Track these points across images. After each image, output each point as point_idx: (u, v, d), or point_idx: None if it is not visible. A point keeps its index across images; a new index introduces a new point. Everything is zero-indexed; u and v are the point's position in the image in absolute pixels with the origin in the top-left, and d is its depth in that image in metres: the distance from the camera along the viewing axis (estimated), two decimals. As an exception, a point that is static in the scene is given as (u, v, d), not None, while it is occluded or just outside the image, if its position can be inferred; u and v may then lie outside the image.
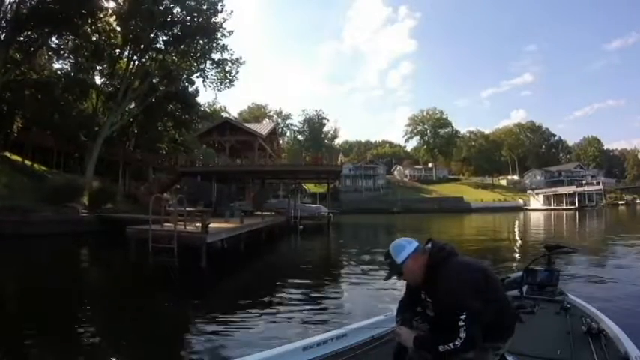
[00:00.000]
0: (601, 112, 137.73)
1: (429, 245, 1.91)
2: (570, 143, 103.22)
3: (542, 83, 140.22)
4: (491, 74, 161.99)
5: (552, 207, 60.51)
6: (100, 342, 4.94)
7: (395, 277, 1.93)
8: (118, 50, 29.80)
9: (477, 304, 1.68)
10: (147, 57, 29.61)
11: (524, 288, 3.96)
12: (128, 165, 33.05)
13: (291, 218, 23.44)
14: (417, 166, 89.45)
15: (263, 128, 32.98)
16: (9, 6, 22.91)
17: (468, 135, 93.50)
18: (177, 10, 27.41)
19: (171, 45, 28.84)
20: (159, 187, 26.87)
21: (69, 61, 30.24)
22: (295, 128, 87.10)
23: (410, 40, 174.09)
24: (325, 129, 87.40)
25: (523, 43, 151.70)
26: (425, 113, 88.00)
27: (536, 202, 64.44)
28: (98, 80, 33.27)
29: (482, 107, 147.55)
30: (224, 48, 30.07)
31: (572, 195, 62.16)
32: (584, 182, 67.33)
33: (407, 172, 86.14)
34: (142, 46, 28.15)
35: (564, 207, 58.61)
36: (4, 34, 23.21)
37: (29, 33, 24.82)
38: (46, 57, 30.09)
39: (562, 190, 64.89)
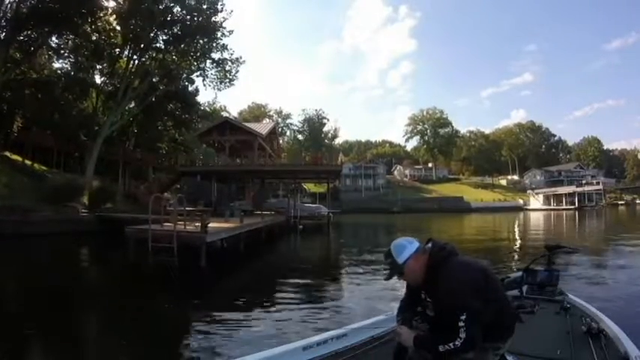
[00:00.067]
0: (601, 112, 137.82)
1: (430, 245, 1.90)
2: (570, 143, 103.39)
3: (542, 83, 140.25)
4: (491, 74, 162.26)
5: (552, 207, 60.55)
6: (99, 342, 4.95)
7: (396, 277, 1.92)
8: (117, 49, 29.76)
9: (477, 304, 1.68)
10: (147, 56, 29.60)
11: (524, 288, 3.95)
12: (128, 164, 33.03)
13: (290, 218, 23.44)
14: (416, 166, 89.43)
15: (263, 128, 32.95)
16: (9, 5, 22.90)
17: (467, 135, 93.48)
18: (177, 9, 27.41)
19: (171, 44, 28.84)
20: (159, 187, 26.85)
21: (69, 61, 30.25)
22: (295, 128, 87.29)
23: (410, 40, 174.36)
24: (325, 128, 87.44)
25: (523, 42, 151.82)
26: (425, 113, 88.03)
27: (536, 201, 64.48)
28: (98, 79, 33.33)
29: (482, 107, 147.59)
30: (224, 47, 30.09)
31: (572, 195, 62.19)
32: (584, 182, 67.30)
33: (407, 171, 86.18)
34: (142, 46, 28.12)
35: (564, 207, 58.64)
36: (4, 34, 23.19)
37: (29, 32, 24.80)
38: (46, 56, 30.06)
39: (562, 189, 64.92)
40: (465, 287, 1.71)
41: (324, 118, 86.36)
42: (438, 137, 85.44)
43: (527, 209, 60.13)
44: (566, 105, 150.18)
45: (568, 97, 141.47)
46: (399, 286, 4.62)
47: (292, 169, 31.26)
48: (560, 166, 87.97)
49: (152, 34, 27.67)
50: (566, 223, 32.47)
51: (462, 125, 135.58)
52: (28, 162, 26.24)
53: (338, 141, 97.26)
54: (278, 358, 2.30)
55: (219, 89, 33.35)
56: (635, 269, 9.68)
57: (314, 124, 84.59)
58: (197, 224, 10.45)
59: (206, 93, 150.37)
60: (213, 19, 28.31)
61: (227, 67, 31.27)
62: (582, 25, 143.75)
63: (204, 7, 27.74)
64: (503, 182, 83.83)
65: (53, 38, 27.18)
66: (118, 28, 27.96)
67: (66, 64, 30.75)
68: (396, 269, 1.88)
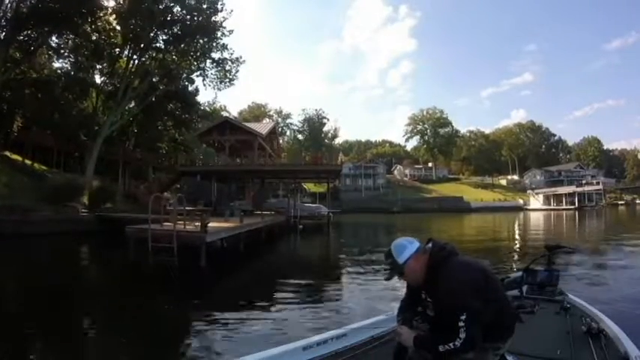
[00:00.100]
0: (601, 112, 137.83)
1: (430, 245, 1.91)
2: (570, 143, 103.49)
3: (542, 83, 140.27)
4: (491, 74, 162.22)
5: (552, 207, 60.57)
6: (99, 341, 4.94)
7: (396, 277, 1.92)
8: (117, 49, 29.73)
9: (477, 304, 1.68)
10: (147, 56, 29.58)
11: (524, 288, 3.95)
12: (128, 164, 33.04)
13: (290, 218, 23.43)
14: (416, 166, 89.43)
15: (263, 127, 32.94)
16: (9, 5, 22.88)
17: (467, 134, 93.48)
18: (177, 9, 27.39)
19: (171, 44, 28.81)
20: (159, 187, 26.85)
21: (69, 60, 30.20)
22: (295, 127, 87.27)
23: (410, 40, 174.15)
24: (325, 128, 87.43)
25: (523, 42, 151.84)
26: (425, 112, 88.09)
27: (536, 201, 64.49)
28: (98, 79, 33.27)
29: (482, 107, 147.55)
30: (224, 47, 30.06)
31: (572, 195, 62.21)
32: (584, 182, 67.35)
33: (407, 171, 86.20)
34: (142, 45, 28.10)
35: (564, 207, 58.67)
36: (3, 33, 23.18)
37: (29, 32, 24.78)
38: (46, 56, 30.05)
39: (562, 189, 64.95)
40: (465, 287, 1.71)
41: (324, 117, 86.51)
42: (438, 137, 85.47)
43: (527, 209, 60.15)
44: (566, 105, 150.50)
45: (568, 97, 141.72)
46: (400, 286, 4.62)
47: (292, 169, 31.26)
48: (560, 166, 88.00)
49: (152, 34, 27.65)
50: (566, 223, 32.47)
51: (462, 125, 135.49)
52: (28, 162, 26.26)
53: (338, 141, 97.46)
54: (278, 358, 2.30)
55: (219, 89, 33.37)
56: (636, 269, 9.69)
57: (314, 124, 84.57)
58: (197, 224, 10.44)
59: (206, 93, 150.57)
60: (213, 18, 28.30)
61: (227, 67, 31.26)
62: (582, 25, 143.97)
63: (204, 6, 27.72)
64: (503, 182, 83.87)
65: (53, 38, 27.20)
66: (118, 27, 27.93)
67: (66, 63, 30.79)
68: (396, 269, 1.88)
